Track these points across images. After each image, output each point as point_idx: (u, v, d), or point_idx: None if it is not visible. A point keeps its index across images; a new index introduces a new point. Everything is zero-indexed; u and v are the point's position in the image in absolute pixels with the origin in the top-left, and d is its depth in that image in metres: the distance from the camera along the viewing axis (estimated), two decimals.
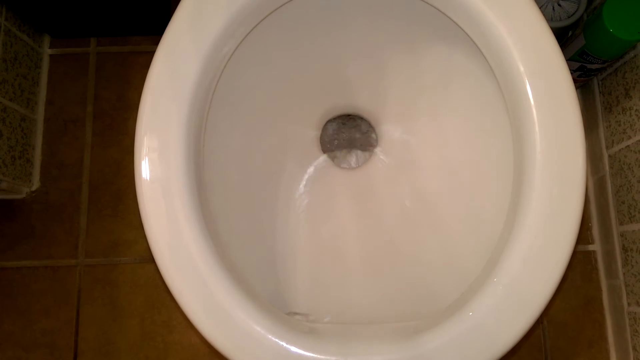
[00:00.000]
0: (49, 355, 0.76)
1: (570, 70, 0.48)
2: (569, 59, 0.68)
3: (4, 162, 0.73)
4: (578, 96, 0.78)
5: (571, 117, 0.42)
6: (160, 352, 0.76)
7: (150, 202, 0.43)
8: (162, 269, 0.42)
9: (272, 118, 0.64)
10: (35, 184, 0.80)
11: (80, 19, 0.80)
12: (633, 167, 0.65)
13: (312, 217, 0.64)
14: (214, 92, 0.48)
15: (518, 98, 0.43)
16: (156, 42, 0.46)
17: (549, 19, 0.69)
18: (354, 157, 0.69)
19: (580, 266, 0.76)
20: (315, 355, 0.40)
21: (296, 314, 0.56)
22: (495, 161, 0.55)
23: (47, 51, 0.85)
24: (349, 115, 0.70)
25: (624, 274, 0.69)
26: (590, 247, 0.76)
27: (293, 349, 0.40)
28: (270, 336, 0.41)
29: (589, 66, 0.67)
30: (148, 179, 0.43)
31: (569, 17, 0.69)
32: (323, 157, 0.68)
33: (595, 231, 0.76)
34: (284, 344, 0.40)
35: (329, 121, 0.70)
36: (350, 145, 0.70)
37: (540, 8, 0.46)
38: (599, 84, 0.74)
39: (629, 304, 0.69)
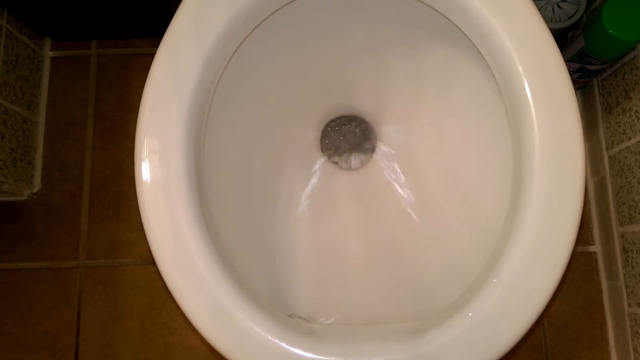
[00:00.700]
0: (50, 356, 0.76)
1: (570, 71, 0.48)
2: (568, 60, 0.69)
3: (6, 164, 0.73)
4: (578, 97, 0.79)
5: (570, 117, 0.42)
6: (161, 353, 0.76)
7: (150, 204, 0.43)
8: (163, 271, 0.42)
9: (272, 119, 0.64)
10: (37, 185, 0.81)
11: (81, 21, 0.80)
12: (633, 168, 0.65)
13: (312, 218, 0.64)
14: (214, 93, 0.48)
15: (517, 99, 0.43)
16: (157, 44, 0.46)
17: (549, 21, 0.69)
18: (354, 158, 0.69)
19: (580, 267, 0.76)
20: (316, 356, 0.40)
21: (297, 316, 0.56)
22: (495, 162, 0.55)
23: (48, 54, 0.85)
24: (349, 116, 0.70)
25: (624, 275, 0.69)
26: (591, 248, 0.76)
27: (293, 349, 0.40)
28: (270, 337, 0.41)
29: (588, 67, 0.68)
30: (148, 180, 0.43)
31: (568, 19, 0.69)
32: (323, 159, 0.68)
33: (596, 232, 0.76)
34: (285, 345, 0.40)
35: (330, 122, 0.70)
36: (351, 146, 0.70)
37: (539, 9, 0.46)
38: (598, 85, 0.74)
39: (629, 305, 0.68)
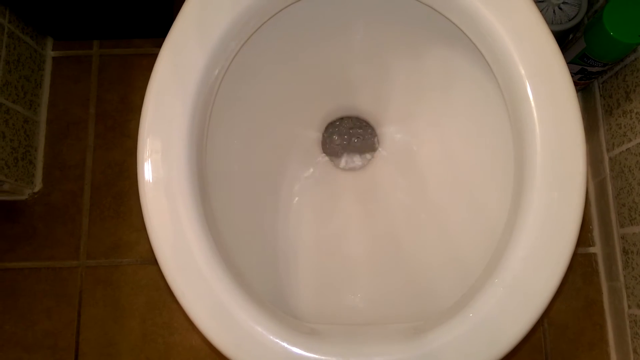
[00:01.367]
0: (51, 356, 0.76)
1: (571, 73, 0.48)
2: (569, 62, 0.69)
3: (7, 163, 0.73)
4: (579, 99, 0.79)
5: (572, 119, 0.42)
6: (161, 353, 0.76)
7: (153, 203, 0.43)
8: (165, 270, 0.42)
9: (274, 119, 0.64)
10: (38, 185, 0.81)
11: (83, 21, 0.80)
12: (633, 170, 0.66)
13: (313, 219, 0.64)
14: (217, 93, 0.48)
15: (519, 100, 0.44)
16: (159, 45, 0.46)
17: (550, 23, 0.69)
18: (355, 158, 0.69)
19: (581, 268, 0.76)
20: (317, 356, 0.40)
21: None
22: (496, 163, 0.55)
23: (50, 53, 0.85)
24: (350, 117, 0.70)
25: (624, 276, 0.69)
26: (591, 250, 0.76)
27: (295, 349, 0.40)
28: (272, 337, 0.41)
29: (589, 69, 0.68)
30: (151, 180, 0.43)
31: (569, 21, 0.69)
32: (325, 159, 0.68)
33: (596, 234, 0.77)
34: (286, 345, 0.40)
35: (331, 123, 0.70)
36: (352, 147, 0.70)
37: (540, 11, 0.46)
38: (599, 87, 0.74)
39: (629, 307, 0.69)
